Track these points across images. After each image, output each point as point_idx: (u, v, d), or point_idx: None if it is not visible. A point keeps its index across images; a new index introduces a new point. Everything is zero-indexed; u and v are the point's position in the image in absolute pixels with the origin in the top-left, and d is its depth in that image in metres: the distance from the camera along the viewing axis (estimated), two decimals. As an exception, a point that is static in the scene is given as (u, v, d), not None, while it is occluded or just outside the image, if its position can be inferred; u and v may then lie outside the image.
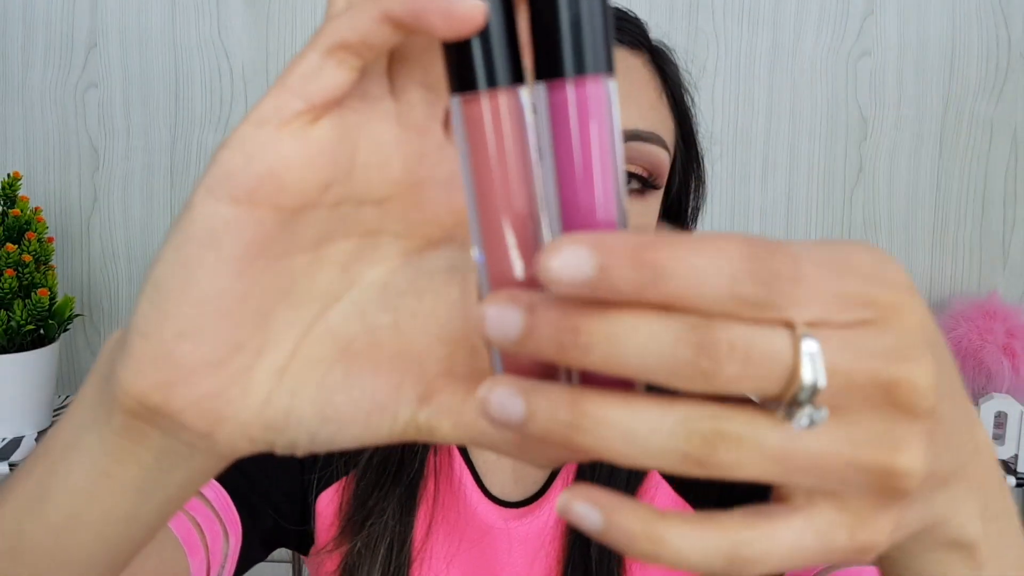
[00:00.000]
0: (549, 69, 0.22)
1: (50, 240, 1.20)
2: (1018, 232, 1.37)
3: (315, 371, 0.25)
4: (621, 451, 0.20)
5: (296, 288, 0.25)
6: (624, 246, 0.20)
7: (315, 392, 0.25)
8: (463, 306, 0.27)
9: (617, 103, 0.23)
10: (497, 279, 0.24)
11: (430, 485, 0.62)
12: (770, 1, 1.33)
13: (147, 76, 1.31)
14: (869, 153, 1.36)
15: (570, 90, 0.22)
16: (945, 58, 1.33)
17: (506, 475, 0.64)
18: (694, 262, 0.19)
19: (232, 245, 0.23)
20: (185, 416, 0.24)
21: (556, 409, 0.21)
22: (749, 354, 0.20)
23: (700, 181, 0.64)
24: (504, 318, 0.21)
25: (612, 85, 0.23)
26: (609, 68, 0.23)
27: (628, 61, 0.58)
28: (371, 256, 0.27)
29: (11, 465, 1.10)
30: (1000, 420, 1.19)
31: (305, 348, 0.26)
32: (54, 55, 1.30)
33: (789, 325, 0.20)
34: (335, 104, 0.24)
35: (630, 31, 0.59)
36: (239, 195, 0.23)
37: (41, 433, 1.20)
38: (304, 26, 1.31)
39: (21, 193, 1.20)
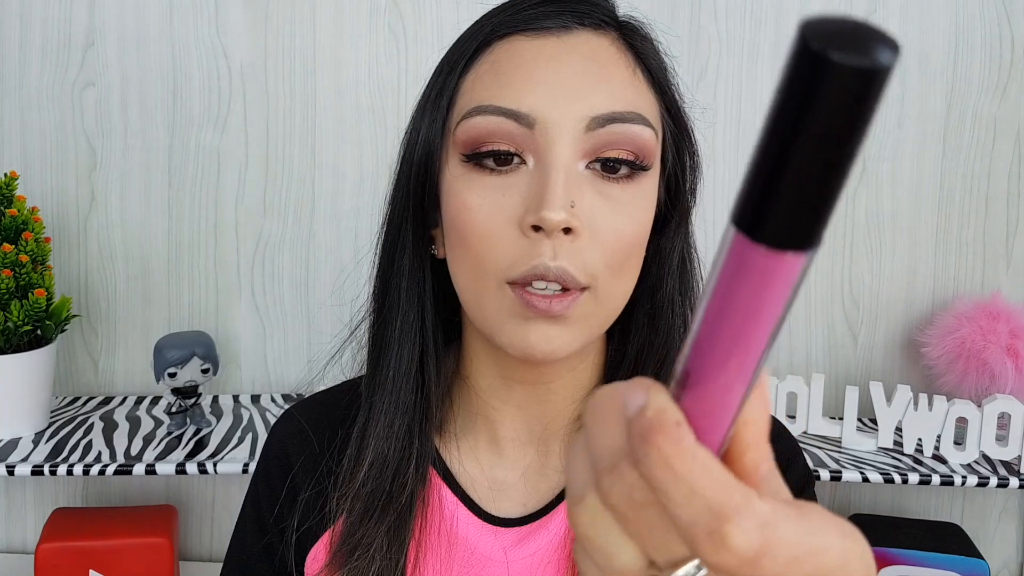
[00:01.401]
0: (758, 227, 0.21)
1: (47, 240, 1.20)
2: (1022, 232, 1.36)
3: None
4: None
5: None
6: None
7: None
8: None
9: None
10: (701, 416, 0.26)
11: (419, 517, 0.61)
12: (772, -1, 1.32)
13: (145, 75, 1.30)
14: (872, 152, 1.35)
15: (778, 260, 0.22)
16: (948, 56, 1.33)
17: (515, 497, 0.63)
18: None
19: None
20: None
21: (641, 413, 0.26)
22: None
23: (693, 155, 0.61)
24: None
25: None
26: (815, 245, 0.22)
27: (593, 42, 0.55)
28: None
29: (8, 467, 1.09)
30: (1003, 421, 1.19)
31: None
32: (51, 54, 1.29)
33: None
34: None
35: (592, 12, 0.57)
36: None
37: (38, 435, 1.19)
38: (302, 24, 1.30)
39: (18, 193, 1.19)
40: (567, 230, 0.51)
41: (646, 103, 0.56)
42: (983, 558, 1.19)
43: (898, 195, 1.35)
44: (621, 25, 0.58)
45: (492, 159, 0.54)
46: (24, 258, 1.15)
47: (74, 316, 1.24)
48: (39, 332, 1.18)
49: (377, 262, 0.63)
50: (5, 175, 1.19)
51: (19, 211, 1.17)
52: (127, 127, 1.31)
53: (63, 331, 1.22)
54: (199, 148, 1.32)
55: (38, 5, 1.29)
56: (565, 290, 0.52)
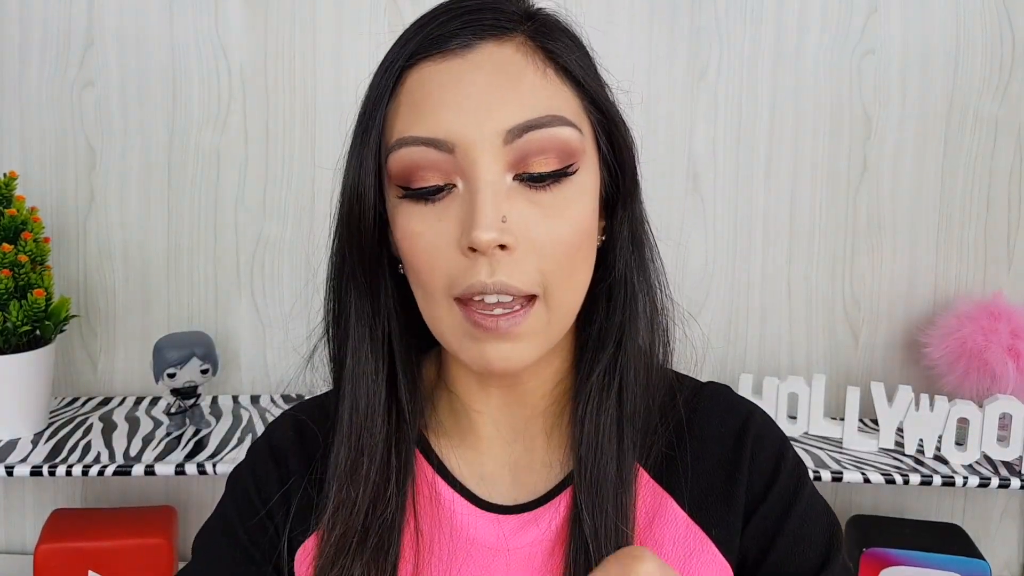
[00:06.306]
0: None
1: (46, 240, 1.19)
2: (1023, 232, 1.36)
3: None
4: None
5: None
6: None
7: None
8: None
9: None
10: None
11: (411, 519, 0.61)
12: (773, -1, 1.32)
13: (145, 75, 1.30)
14: (873, 152, 1.35)
15: None
16: (949, 56, 1.33)
17: (504, 492, 0.64)
18: None
19: None
20: None
21: None
22: None
23: (626, 139, 0.61)
24: None
25: None
26: None
27: (497, 54, 0.55)
28: None
29: (7, 468, 1.09)
30: (1004, 422, 1.19)
31: None
32: (51, 54, 1.29)
33: None
34: None
35: (495, 20, 0.56)
36: None
37: (37, 435, 1.19)
38: (303, 24, 1.30)
39: (17, 193, 1.19)
40: (502, 246, 0.53)
41: (562, 101, 0.56)
42: (984, 559, 1.19)
43: (899, 195, 1.35)
44: (531, 20, 0.57)
45: (426, 193, 0.55)
46: (23, 258, 1.15)
47: (73, 316, 1.24)
48: (38, 332, 1.18)
49: (333, 296, 0.64)
50: (4, 175, 1.18)
51: (18, 211, 1.17)
52: (127, 127, 1.31)
53: (62, 331, 1.22)
54: (199, 148, 1.32)
55: (38, 5, 1.29)
56: (512, 308, 0.54)
